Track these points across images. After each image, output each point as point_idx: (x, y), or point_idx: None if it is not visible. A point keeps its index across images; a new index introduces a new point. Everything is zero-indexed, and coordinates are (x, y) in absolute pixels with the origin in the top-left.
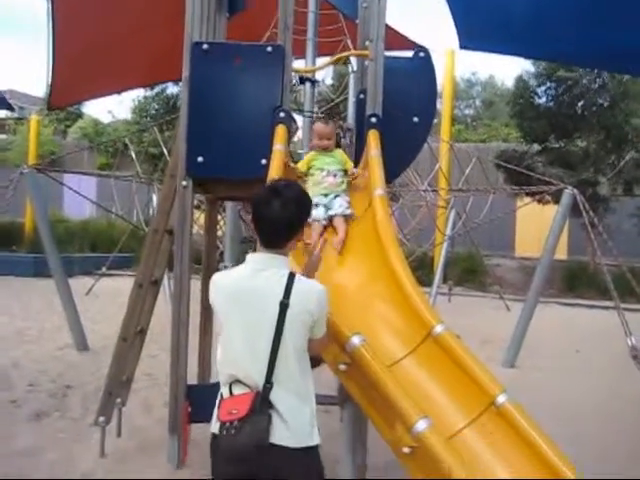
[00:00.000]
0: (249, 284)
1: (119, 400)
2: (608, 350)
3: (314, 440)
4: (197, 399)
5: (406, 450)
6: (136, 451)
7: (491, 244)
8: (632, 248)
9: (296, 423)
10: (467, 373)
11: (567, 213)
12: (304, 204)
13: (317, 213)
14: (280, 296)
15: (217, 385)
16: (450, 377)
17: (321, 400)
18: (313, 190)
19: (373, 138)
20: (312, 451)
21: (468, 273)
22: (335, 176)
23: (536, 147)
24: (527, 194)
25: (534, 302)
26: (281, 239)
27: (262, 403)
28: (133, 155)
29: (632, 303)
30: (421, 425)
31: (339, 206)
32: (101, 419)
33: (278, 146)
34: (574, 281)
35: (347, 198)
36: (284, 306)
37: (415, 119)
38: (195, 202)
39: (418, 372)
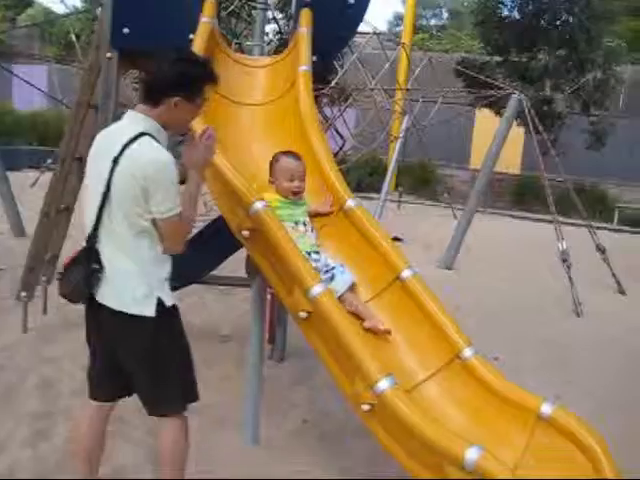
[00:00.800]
0: (105, 140)
1: (44, 278)
2: (544, 257)
3: (145, 311)
4: None
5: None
6: (60, 327)
7: (447, 156)
8: (584, 164)
9: (121, 285)
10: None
11: (512, 118)
12: (197, 74)
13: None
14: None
15: None
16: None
17: (230, 282)
18: None
19: (304, 16)
20: (139, 321)
21: (420, 182)
22: (305, 225)
23: (497, 59)
24: (477, 98)
25: (473, 207)
26: (154, 94)
27: (86, 255)
28: (78, 47)
29: (576, 218)
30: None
31: (342, 282)
32: (23, 294)
33: (205, 19)
34: (524, 195)
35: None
36: (113, 164)
37: (350, 0)
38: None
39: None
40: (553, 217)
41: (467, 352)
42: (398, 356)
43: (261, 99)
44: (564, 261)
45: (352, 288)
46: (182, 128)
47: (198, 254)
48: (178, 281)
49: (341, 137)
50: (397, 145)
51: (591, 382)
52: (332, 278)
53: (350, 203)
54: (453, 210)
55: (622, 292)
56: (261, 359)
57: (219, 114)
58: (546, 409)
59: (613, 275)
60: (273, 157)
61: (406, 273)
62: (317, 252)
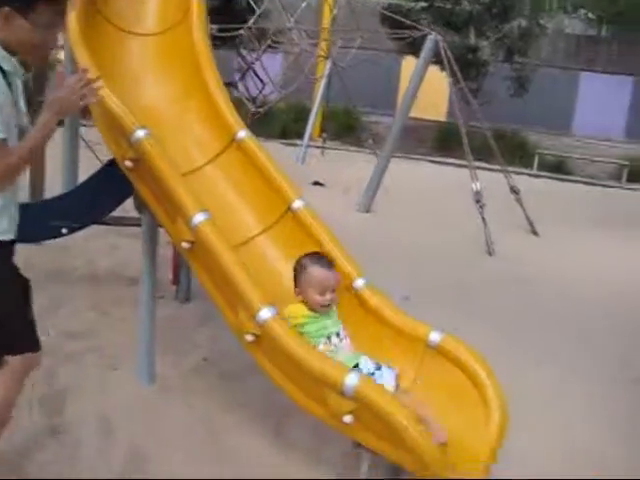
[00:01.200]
0: None
1: None
2: (461, 201)
3: None
4: None
5: (249, 338)
6: None
7: (374, 103)
8: (507, 112)
9: None
10: (267, 180)
11: (428, 59)
12: None
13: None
14: None
15: None
16: (250, 184)
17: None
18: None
19: None
20: None
21: (345, 128)
22: (339, 335)
23: (422, 4)
24: (401, 45)
25: (390, 149)
26: None
27: None
28: None
29: (496, 164)
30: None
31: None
32: None
33: None
34: (448, 142)
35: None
36: None
37: None
38: None
39: (219, 179)
40: (468, 160)
41: (359, 282)
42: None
43: (152, 28)
44: (477, 202)
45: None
46: (33, 55)
47: (92, 195)
48: (67, 222)
49: (261, 81)
50: (321, 88)
51: (494, 318)
52: None
53: (242, 134)
54: (377, 156)
55: (535, 233)
56: (153, 297)
57: (107, 42)
58: (434, 337)
59: (526, 217)
60: (298, 262)
61: (297, 204)
62: (356, 365)
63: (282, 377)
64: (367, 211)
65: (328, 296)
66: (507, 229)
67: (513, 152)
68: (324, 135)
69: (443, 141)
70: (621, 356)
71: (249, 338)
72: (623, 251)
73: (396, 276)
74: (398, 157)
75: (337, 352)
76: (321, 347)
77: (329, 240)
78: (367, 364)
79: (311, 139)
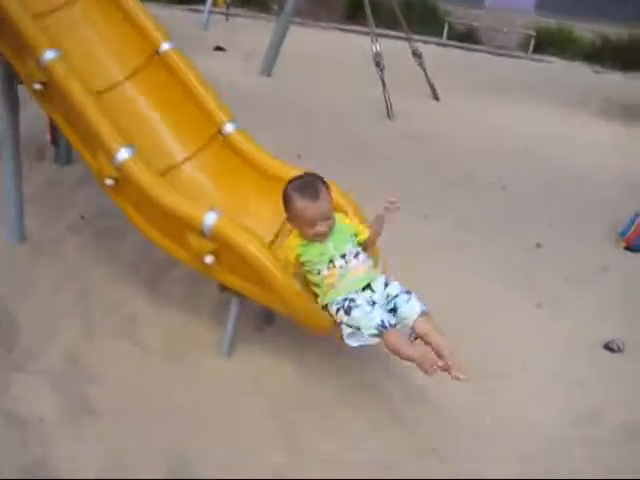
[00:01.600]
0: None
1: None
2: (364, 67)
3: None
4: None
5: (109, 182)
6: None
7: None
8: None
9: None
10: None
11: None
12: None
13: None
14: None
15: None
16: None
17: None
18: (338, 291)
19: None
20: None
21: None
22: (345, 257)
23: None
24: None
25: (290, 11)
26: None
27: None
28: None
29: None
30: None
31: (409, 311)
32: None
33: None
34: (356, 9)
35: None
36: None
37: None
38: None
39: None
40: (369, 23)
41: (228, 127)
42: (155, 135)
43: None
44: (377, 64)
45: (424, 315)
46: None
47: None
48: None
49: None
50: None
51: (390, 176)
52: (395, 310)
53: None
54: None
55: (436, 98)
56: (14, 151)
57: None
58: None
59: (428, 81)
60: (284, 192)
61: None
62: (369, 286)
63: (145, 222)
64: (268, 75)
65: (320, 226)
66: (409, 94)
67: (423, 21)
68: (228, 1)
69: (354, 9)
70: (507, 208)
71: (109, 182)
72: (519, 116)
73: (292, 138)
74: (305, 25)
75: (344, 275)
76: (325, 272)
77: (198, 85)
78: (392, 287)
79: (216, 5)
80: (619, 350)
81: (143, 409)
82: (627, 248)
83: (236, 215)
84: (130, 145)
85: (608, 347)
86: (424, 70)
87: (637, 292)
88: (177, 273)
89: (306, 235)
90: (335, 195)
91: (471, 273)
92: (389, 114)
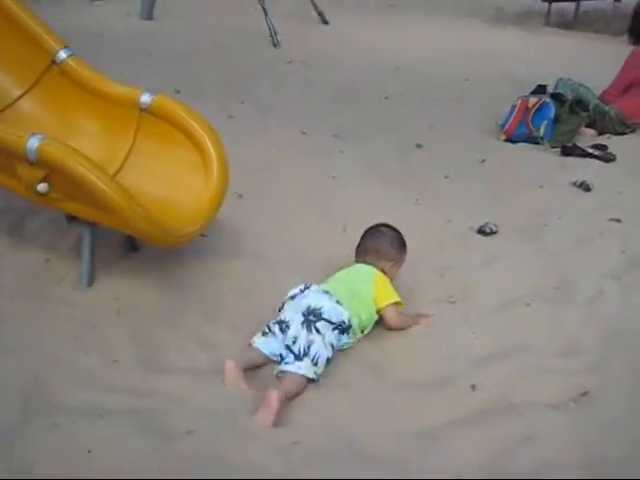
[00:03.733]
0: None
1: None
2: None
3: None
4: None
5: None
6: None
7: None
8: None
9: None
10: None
11: None
12: None
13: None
14: None
15: None
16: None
17: None
18: None
19: None
20: None
21: None
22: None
23: None
24: None
25: None
26: None
27: None
28: None
29: None
30: None
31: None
32: None
33: None
34: None
35: None
36: None
37: None
38: None
39: None
40: None
41: (61, 54)
42: None
43: None
44: None
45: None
46: None
47: None
48: None
49: None
50: None
51: (272, 100)
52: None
53: None
54: None
55: (325, 22)
56: None
57: None
58: (145, 99)
59: (314, 5)
60: (403, 239)
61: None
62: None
63: None
64: (150, 18)
65: None
66: (298, 21)
67: None
68: None
69: None
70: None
71: None
72: (409, 30)
73: (174, 74)
74: None
75: None
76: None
77: (21, 14)
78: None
79: None
80: (492, 233)
81: None
82: (507, 140)
83: (71, 140)
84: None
85: (481, 231)
86: None
87: (510, 179)
88: (42, 218)
89: (392, 276)
90: (184, 117)
91: (348, 176)
92: (274, 42)
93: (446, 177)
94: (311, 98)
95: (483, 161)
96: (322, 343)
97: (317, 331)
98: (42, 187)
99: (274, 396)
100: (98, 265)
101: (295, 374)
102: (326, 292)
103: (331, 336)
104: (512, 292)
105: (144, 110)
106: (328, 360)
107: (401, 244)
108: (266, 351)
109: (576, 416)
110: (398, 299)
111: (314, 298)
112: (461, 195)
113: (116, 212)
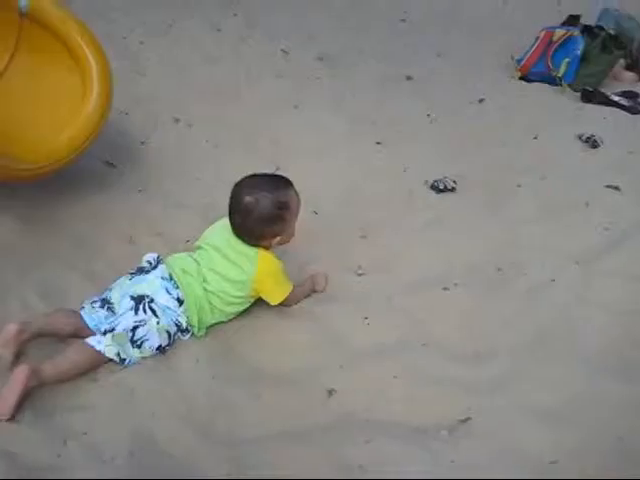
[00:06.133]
0: None
1: None
2: None
3: None
4: None
5: None
6: None
7: None
8: None
9: None
10: None
11: None
12: None
13: None
14: None
15: None
16: None
17: None
18: None
19: None
20: None
21: None
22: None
23: None
24: None
25: None
26: None
27: None
28: None
29: None
30: None
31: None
32: None
33: None
34: None
35: None
36: None
37: None
38: None
39: None
40: None
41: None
42: None
43: None
44: None
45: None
46: None
47: None
48: None
49: None
50: None
51: (263, 13)
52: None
53: None
54: None
55: None
56: None
57: None
58: (22, 1)
59: None
60: (280, 202)
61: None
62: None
63: None
64: None
65: None
66: None
67: None
68: None
69: None
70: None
71: None
72: None
73: None
74: None
75: None
76: None
77: None
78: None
79: None
80: (447, 189)
81: None
82: (523, 78)
83: None
84: None
85: (434, 187)
86: None
87: (502, 125)
88: None
89: (283, 242)
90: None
91: (312, 107)
92: None
93: (428, 116)
94: (313, 13)
95: (481, 101)
96: (155, 327)
97: (153, 313)
98: None
99: (22, 373)
100: None
101: (89, 347)
102: (170, 279)
103: (170, 323)
104: (438, 269)
105: (24, 15)
106: (161, 348)
107: (280, 213)
108: (91, 323)
109: (434, 455)
110: (286, 294)
111: (149, 287)
112: (434, 140)
113: None
